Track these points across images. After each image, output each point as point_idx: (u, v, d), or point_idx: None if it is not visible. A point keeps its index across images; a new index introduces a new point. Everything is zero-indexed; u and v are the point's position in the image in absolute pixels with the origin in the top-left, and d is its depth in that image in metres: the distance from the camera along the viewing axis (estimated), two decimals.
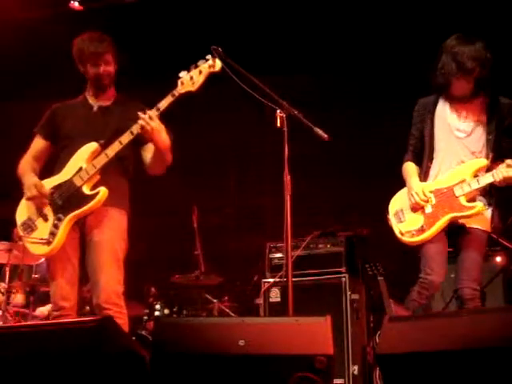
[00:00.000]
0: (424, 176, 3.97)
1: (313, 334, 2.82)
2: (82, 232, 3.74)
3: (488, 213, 3.88)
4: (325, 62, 6.60)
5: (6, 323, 5.20)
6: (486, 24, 5.58)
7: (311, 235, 5.20)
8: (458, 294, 3.83)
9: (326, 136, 3.61)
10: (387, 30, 6.20)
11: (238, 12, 6.18)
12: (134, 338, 4.93)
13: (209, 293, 5.82)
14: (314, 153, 6.25)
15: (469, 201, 3.80)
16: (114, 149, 3.68)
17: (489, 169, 3.82)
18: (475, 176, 3.81)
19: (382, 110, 6.68)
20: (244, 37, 6.13)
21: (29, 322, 5.17)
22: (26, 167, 3.89)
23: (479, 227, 3.86)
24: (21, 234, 3.79)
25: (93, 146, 3.74)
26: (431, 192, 3.88)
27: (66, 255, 3.70)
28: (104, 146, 3.72)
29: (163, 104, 3.68)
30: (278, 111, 3.60)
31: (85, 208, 3.66)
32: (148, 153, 3.86)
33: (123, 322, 3.60)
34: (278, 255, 5.19)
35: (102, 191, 3.65)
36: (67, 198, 3.69)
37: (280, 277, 4.95)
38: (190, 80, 3.65)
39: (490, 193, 3.89)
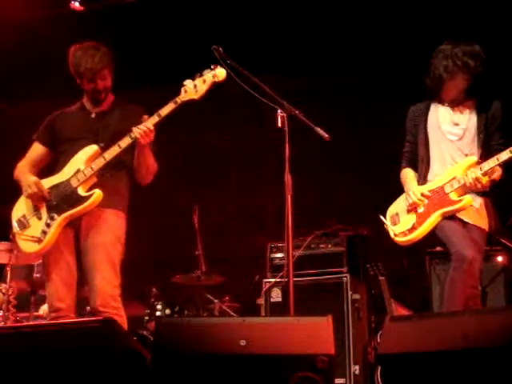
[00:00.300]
0: (422, 181, 4.00)
1: (314, 333, 2.82)
2: (78, 234, 3.75)
3: (484, 212, 3.89)
4: (325, 61, 6.59)
5: (6, 323, 5.20)
6: (484, 26, 5.60)
7: (312, 235, 5.20)
8: None
9: (326, 136, 3.60)
10: (387, 30, 6.19)
11: (238, 12, 6.18)
12: (135, 338, 4.93)
13: (210, 293, 5.81)
14: (314, 152, 6.25)
15: (459, 196, 3.83)
16: (112, 152, 3.69)
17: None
18: (466, 173, 3.82)
19: (382, 110, 6.66)
20: (244, 36, 6.13)
21: (30, 322, 5.17)
22: (24, 170, 3.91)
23: (476, 224, 3.86)
24: (14, 230, 3.81)
25: (93, 148, 3.75)
26: (427, 192, 3.92)
27: (62, 256, 3.71)
28: (104, 150, 3.74)
29: (164, 111, 3.69)
30: (279, 111, 3.60)
31: (78, 209, 3.68)
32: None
33: (121, 323, 3.59)
34: (279, 255, 5.19)
35: (97, 193, 3.67)
36: (62, 198, 3.71)
37: (281, 277, 4.95)
38: (193, 88, 3.67)
39: (483, 193, 3.91)
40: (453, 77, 3.87)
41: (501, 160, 3.72)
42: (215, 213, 6.92)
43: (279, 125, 3.58)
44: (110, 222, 3.75)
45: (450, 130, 3.96)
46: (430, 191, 3.92)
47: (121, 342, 2.85)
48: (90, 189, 3.70)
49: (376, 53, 6.42)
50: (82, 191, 3.69)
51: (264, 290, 5.11)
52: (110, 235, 3.73)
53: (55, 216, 3.69)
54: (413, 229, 3.91)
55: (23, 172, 3.89)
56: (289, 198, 3.50)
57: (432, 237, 3.91)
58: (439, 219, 3.85)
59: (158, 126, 3.73)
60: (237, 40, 5.16)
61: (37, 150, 3.97)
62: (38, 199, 3.75)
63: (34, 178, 3.80)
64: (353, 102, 6.85)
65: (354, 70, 6.62)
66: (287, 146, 3.54)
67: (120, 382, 2.73)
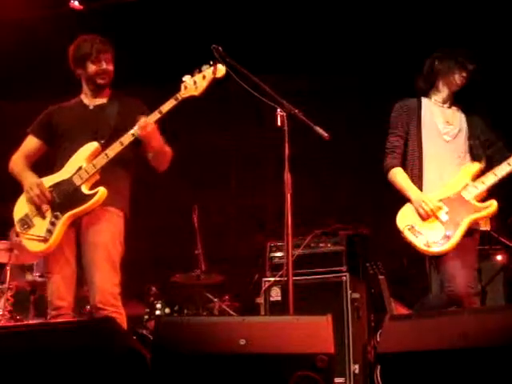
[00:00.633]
0: (418, 181, 3.90)
1: (313, 332, 2.82)
2: (78, 232, 3.73)
3: None
4: (325, 61, 6.59)
5: (6, 323, 5.20)
6: (484, 26, 5.62)
7: (312, 234, 5.20)
8: None
9: (326, 135, 3.60)
10: (387, 30, 6.19)
11: (239, 11, 6.18)
12: (134, 337, 4.93)
13: (209, 292, 5.82)
14: (314, 152, 6.24)
15: (479, 202, 3.79)
16: (114, 149, 3.67)
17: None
18: (474, 179, 3.81)
19: (382, 110, 6.65)
20: (244, 36, 6.13)
21: (30, 322, 5.17)
22: (21, 165, 3.89)
23: (481, 229, 3.86)
24: (18, 230, 3.79)
25: (93, 145, 3.73)
26: (440, 201, 3.80)
27: (63, 255, 3.70)
28: (104, 146, 3.71)
29: (165, 107, 3.67)
30: (279, 110, 3.60)
31: (83, 207, 3.65)
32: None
33: (121, 321, 3.59)
34: (279, 254, 5.20)
35: (101, 191, 3.65)
36: (66, 197, 3.68)
37: (280, 276, 4.95)
38: (193, 84, 3.65)
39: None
40: (450, 71, 3.89)
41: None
42: (215, 212, 6.92)
43: (279, 124, 3.58)
44: (111, 221, 3.73)
45: (445, 130, 3.95)
46: (445, 198, 3.80)
47: (120, 341, 2.84)
48: (93, 186, 3.68)
49: (376, 53, 6.42)
50: (85, 189, 3.67)
51: (263, 289, 5.11)
52: (110, 235, 3.71)
53: (59, 215, 3.65)
54: (447, 238, 3.72)
55: (21, 168, 3.88)
56: (288, 196, 3.50)
57: None
58: (467, 227, 3.75)
59: (158, 126, 3.74)
60: (237, 40, 5.15)
61: (31, 142, 3.95)
62: (39, 200, 3.73)
63: (35, 180, 3.77)
64: (353, 102, 6.85)
65: (354, 69, 6.62)
66: (287, 145, 3.54)
67: (119, 381, 2.73)
